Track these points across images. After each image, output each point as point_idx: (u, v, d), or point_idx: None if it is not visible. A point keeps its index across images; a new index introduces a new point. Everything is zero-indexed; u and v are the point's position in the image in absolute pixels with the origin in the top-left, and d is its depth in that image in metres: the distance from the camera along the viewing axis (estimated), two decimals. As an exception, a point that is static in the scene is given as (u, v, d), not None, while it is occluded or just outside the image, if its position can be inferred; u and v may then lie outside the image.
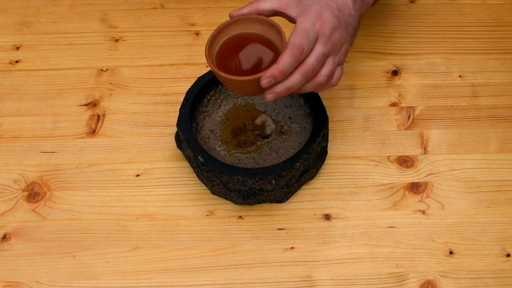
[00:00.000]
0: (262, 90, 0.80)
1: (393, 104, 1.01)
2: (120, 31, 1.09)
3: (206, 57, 0.80)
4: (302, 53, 0.77)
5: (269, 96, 0.79)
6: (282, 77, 0.78)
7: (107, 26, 1.09)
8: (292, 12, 0.81)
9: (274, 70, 0.77)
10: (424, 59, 1.05)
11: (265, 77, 0.77)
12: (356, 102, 1.01)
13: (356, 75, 1.04)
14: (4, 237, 0.91)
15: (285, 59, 0.77)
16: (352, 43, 0.85)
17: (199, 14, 1.10)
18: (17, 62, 1.06)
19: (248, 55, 0.82)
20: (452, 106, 1.01)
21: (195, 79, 0.95)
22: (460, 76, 1.03)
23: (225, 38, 0.83)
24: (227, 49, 0.82)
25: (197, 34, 1.08)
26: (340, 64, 0.83)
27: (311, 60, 0.79)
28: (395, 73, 1.04)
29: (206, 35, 1.08)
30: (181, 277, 0.88)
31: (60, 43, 1.07)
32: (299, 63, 0.78)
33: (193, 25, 1.09)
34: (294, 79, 0.79)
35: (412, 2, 1.11)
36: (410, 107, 1.00)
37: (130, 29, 1.09)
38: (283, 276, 0.88)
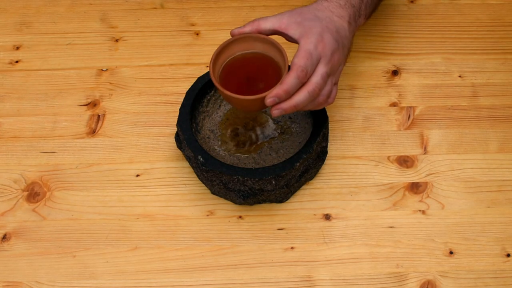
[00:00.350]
0: (265, 107, 0.83)
1: (393, 104, 1.01)
2: (120, 31, 1.09)
3: (211, 75, 0.82)
4: (306, 74, 0.81)
5: (275, 112, 0.82)
6: (286, 96, 0.81)
7: (107, 26, 1.09)
8: (293, 33, 0.84)
9: (279, 90, 0.80)
10: (424, 59, 1.05)
11: (270, 97, 0.80)
12: (356, 102, 1.01)
13: (356, 75, 1.04)
14: (4, 237, 0.91)
15: (290, 80, 0.80)
16: (345, 63, 0.88)
17: (199, 14, 1.10)
18: (17, 62, 1.06)
19: (251, 74, 0.86)
20: (452, 106, 1.01)
21: (195, 79, 0.95)
22: (460, 76, 1.03)
23: (229, 58, 0.85)
24: (231, 68, 0.85)
25: (197, 34, 1.08)
26: (336, 83, 0.87)
27: (316, 79, 0.82)
28: (395, 73, 1.04)
29: (206, 35, 1.08)
30: (181, 277, 0.88)
31: (60, 43, 1.07)
32: (302, 83, 0.81)
33: (193, 25, 1.09)
34: (301, 97, 0.82)
35: (412, 2, 1.11)
36: (410, 107, 1.00)
37: (130, 29, 1.09)
38: (283, 276, 0.88)
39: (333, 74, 0.85)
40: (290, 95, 0.81)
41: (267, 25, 0.85)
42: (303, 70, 0.80)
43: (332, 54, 0.83)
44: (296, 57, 0.81)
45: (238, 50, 0.85)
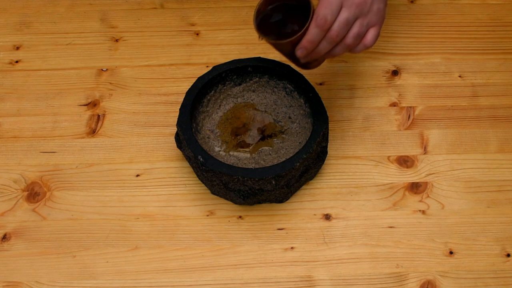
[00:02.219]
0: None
1: (393, 104, 1.01)
2: (120, 31, 1.09)
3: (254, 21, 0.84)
4: (326, 22, 0.81)
5: (303, 60, 0.85)
6: (313, 46, 0.82)
7: (107, 26, 1.09)
8: None
9: (304, 41, 0.82)
10: (424, 59, 1.05)
11: (298, 49, 0.83)
12: (356, 102, 1.01)
13: (356, 75, 1.04)
14: (4, 237, 0.91)
15: (312, 31, 0.81)
16: (385, 2, 0.86)
17: (199, 14, 1.10)
18: (17, 62, 1.06)
19: (287, 20, 0.87)
20: (452, 106, 1.01)
21: (195, 79, 0.95)
22: (460, 76, 1.03)
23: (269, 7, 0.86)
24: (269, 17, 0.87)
25: (197, 34, 1.08)
26: (373, 25, 0.85)
27: (334, 27, 0.82)
28: (395, 73, 1.04)
29: (206, 35, 1.08)
30: (181, 277, 0.88)
31: (60, 43, 1.07)
32: (326, 31, 0.82)
33: (193, 25, 1.09)
34: (322, 46, 0.83)
35: (412, 2, 1.11)
36: (410, 107, 1.00)
37: (130, 29, 1.09)
38: (283, 276, 0.88)
39: (363, 16, 0.84)
40: (316, 44, 0.82)
41: None
42: (322, 18, 0.81)
43: None
44: (317, 6, 0.82)
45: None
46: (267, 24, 0.86)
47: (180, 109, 0.91)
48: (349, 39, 0.84)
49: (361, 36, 0.85)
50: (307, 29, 0.82)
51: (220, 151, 0.93)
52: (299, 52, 0.83)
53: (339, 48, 0.85)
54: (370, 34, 0.85)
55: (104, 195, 0.94)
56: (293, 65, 0.95)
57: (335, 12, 0.81)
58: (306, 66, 0.89)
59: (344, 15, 0.82)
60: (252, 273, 0.88)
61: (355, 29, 0.84)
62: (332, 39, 0.83)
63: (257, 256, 0.89)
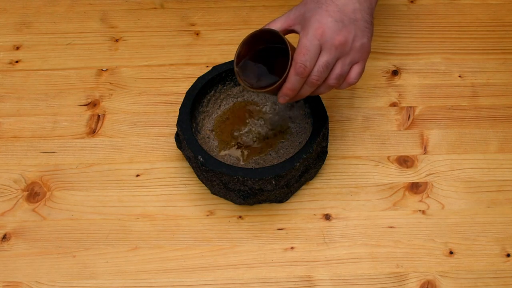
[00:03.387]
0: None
1: (393, 104, 1.01)
2: (120, 31, 1.09)
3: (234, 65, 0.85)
4: (305, 69, 0.81)
5: (282, 99, 0.84)
6: (294, 93, 0.82)
7: (107, 26, 1.09)
8: (297, 28, 0.84)
9: (285, 89, 0.82)
10: (424, 59, 1.05)
11: (280, 97, 0.83)
12: (356, 102, 1.01)
13: (356, 75, 1.04)
14: (4, 237, 0.91)
15: (291, 78, 0.81)
16: (369, 35, 0.85)
17: (199, 14, 1.10)
18: (17, 62, 1.06)
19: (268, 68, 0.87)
20: (452, 106, 1.01)
21: (195, 79, 0.95)
22: (460, 76, 1.03)
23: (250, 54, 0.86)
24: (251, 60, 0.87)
25: (197, 34, 1.08)
26: (355, 62, 0.84)
27: (314, 71, 0.82)
28: (395, 73, 1.04)
29: (206, 35, 1.08)
30: (181, 277, 0.88)
31: (60, 43, 1.07)
32: (306, 77, 0.82)
33: (193, 25, 1.09)
34: (303, 91, 0.84)
35: (412, 2, 1.11)
36: (410, 107, 1.00)
37: (130, 29, 1.09)
38: (283, 276, 0.88)
39: (345, 55, 0.83)
40: (297, 90, 0.82)
41: (277, 25, 0.85)
42: (301, 66, 0.80)
43: (334, 37, 0.81)
44: (295, 53, 0.81)
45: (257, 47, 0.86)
46: (249, 69, 0.85)
47: (180, 109, 0.91)
48: (332, 80, 0.83)
49: (343, 76, 0.84)
50: (286, 76, 0.81)
51: (220, 151, 0.93)
52: (281, 100, 0.83)
53: (322, 89, 0.85)
54: (354, 72, 0.85)
55: (104, 195, 0.94)
56: None
57: (313, 57, 0.81)
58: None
59: (323, 59, 0.81)
60: (252, 273, 0.88)
61: (336, 71, 0.83)
62: (313, 84, 0.82)
63: (257, 256, 0.89)
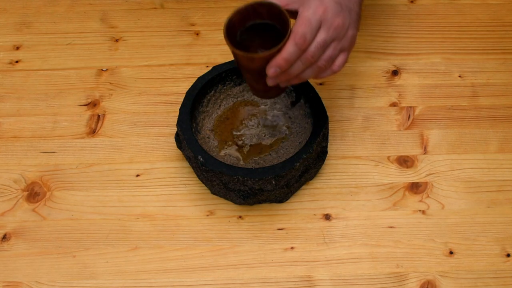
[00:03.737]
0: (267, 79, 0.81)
1: (393, 104, 1.01)
2: (120, 31, 1.09)
3: (224, 35, 0.80)
4: (305, 41, 0.78)
5: (270, 81, 0.81)
6: (286, 65, 0.79)
7: (107, 26, 1.09)
8: (294, 6, 0.81)
9: (279, 59, 0.78)
10: (424, 59, 1.05)
11: (271, 67, 0.79)
12: (356, 102, 1.01)
13: (356, 75, 1.04)
14: (4, 237, 0.91)
15: (289, 48, 0.78)
16: (358, 28, 0.85)
17: (199, 14, 1.10)
18: (17, 62, 1.06)
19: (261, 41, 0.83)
20: (452, 106, 1.01)
21: (195, 79, 0.95)
22: (460, 76, 1.03)
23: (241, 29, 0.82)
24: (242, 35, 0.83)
25: (197, 34, 1.08)
26: (344, 50, 0.84)
27: (311, 48, 0.80)
28: (395, 73, 1.04)
29: (206, 35, 1.08)
30: (181, 277, 0.88)
31: (60, 43, 1.07)
32: (302, 51, 0.79)
33: (193, 25, 1.09)
34: (295, 67, 0.80)
35: (412, 2, 1.11)
36: (410, 107, 1.00)
37: (130, 29, 1.09)
38: (283, 276, 0.88)
39: (338, 39, 0.82)
40: (290, 64, 0.79)
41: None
42: (301, 37, 0.78)
43: (334, 18, 0.80)
44: (295, 25, 0.79)
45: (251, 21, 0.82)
46: (237, 40, 0.82)
47: (180, 109, 0.91)
48: (322, 61, 0.82)
49: (333, 59, 0.83)
50: (282, 46, 0.78)
51: (220, 151, 0.93)
52: (271, 71, 0.79)
53: (309, 71, 0.82)
54: (340, 60, 0.83)
55: (104, 195, 0.94)
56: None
57: (314, 31, 0.79)
58: (265, 94, 0.87)
59: (322, 36, 0.80)
60: (252, 273, 0.88)
61: (329, 52, 0.81)
62: (307, 60, 0.80)
63: (257, 256, 0.89)
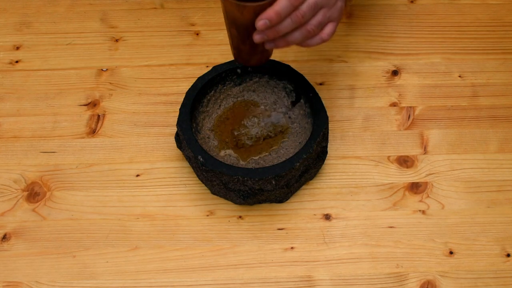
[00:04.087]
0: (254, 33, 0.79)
1: (393, 104, 1.01)
2: (120, 31, 1.09)
3: None
4: None
5: (257, 37, 0.80)
6: (277, 19, 0.78)
7: (107, 26, 1.09)
8: None
9: (270, 11, 0.78)
10: (424, 59, 1.05)
11: (261, 19, 0.78)
12: (356, 102, 1.01)
13: (356, 75, 1.04)
14: (4, 237, 0.91)
15: (281, 2, 0.78)
16: (345, 3, 0.85)
17: (199, 14, 1.10)
18: (17, 62, 1.06)
19: None
20: (452, 106, 1.01)
21: (195, 79, 0.95)
22: (460, 76, 1.03)
23: None
24: None
25: (197, 34, 1.08)
26: (333, 20, 0.84)
27: (303, 6, 0.79)
28: (395, 73, 1.04)
29: (206, 35, 1.08)
30: (181, 277, 0.88)
31: (60, 43, 1.07)
32: (294, 8, 0.79)
33: (193, 25, 1.09)
34: (284, 25, 0.80)
35: (412, 2, 1.11)
36: (410, 107, 1.00)
37: (130, 29, 1.09)
38: (283, 276, 0.88)
39: (328, 7, 0.82)
40: (281, 19, 0.78)
41: None
42: None
43: None
44: None
45: None
46: None
47: (180, 109, 0.91)
48: (311, 25, 0.81)
49: (321, 26, 0.83)
50: (274, 0, 0.77)
51: (220, 151, 0.93)
52: (261, 23, 0.78)
53: (297, 34, 0.82)
54: (329, 28, 0.83)
55: (104, 195, 0.94)
56: (251, 61, 0.87)
57: None
58: (249, 57, 0.85)
59: None
60: (252, 273, 0.88)
61: (318, 17, 0.81)
62: (297, 19, 0.79)
63: (257, 256, 0.89)
